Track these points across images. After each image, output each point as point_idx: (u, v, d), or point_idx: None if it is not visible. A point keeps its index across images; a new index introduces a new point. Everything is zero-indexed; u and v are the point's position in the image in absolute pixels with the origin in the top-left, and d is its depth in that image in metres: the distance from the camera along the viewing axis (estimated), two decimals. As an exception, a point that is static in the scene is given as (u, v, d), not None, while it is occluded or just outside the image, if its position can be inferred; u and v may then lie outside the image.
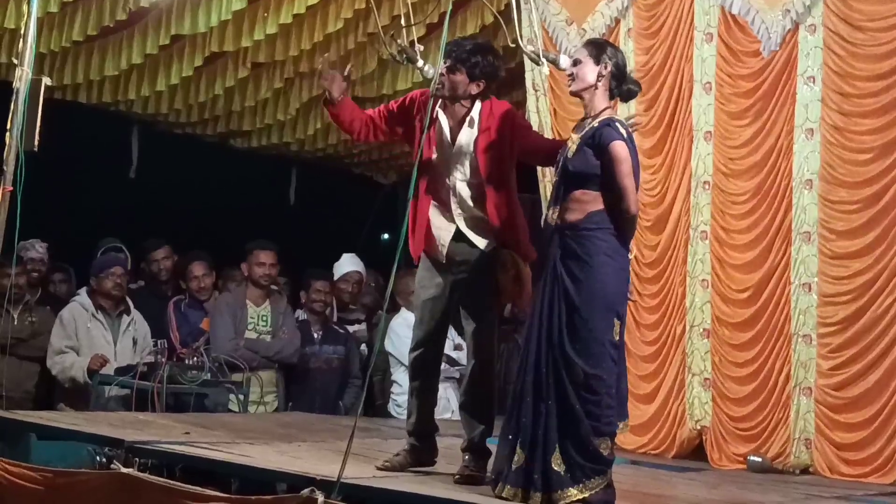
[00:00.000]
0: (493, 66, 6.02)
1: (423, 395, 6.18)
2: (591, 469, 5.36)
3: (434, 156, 6.04)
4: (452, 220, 6.06)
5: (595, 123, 5.53)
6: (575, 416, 5.34)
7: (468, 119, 6.03)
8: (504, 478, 5.47)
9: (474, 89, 6.01)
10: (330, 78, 6.15)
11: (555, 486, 5.32)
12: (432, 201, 6.08)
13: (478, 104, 6.03)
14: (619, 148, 5.44)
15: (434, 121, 5.98)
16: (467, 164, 6.02)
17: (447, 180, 6.05)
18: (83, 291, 8.48)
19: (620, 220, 5.47)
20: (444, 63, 5.94)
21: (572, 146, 5.55)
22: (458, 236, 6.06)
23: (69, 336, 8.25)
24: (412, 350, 6.20)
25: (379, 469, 5.98)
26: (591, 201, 5.47)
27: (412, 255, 6.17)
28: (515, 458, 5.43)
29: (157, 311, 8.84)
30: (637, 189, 5.54)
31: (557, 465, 5.35)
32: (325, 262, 9.75)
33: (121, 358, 8.24)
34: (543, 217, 5.75)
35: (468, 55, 5.96)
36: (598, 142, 5.46)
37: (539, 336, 5.47)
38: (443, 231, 6.07)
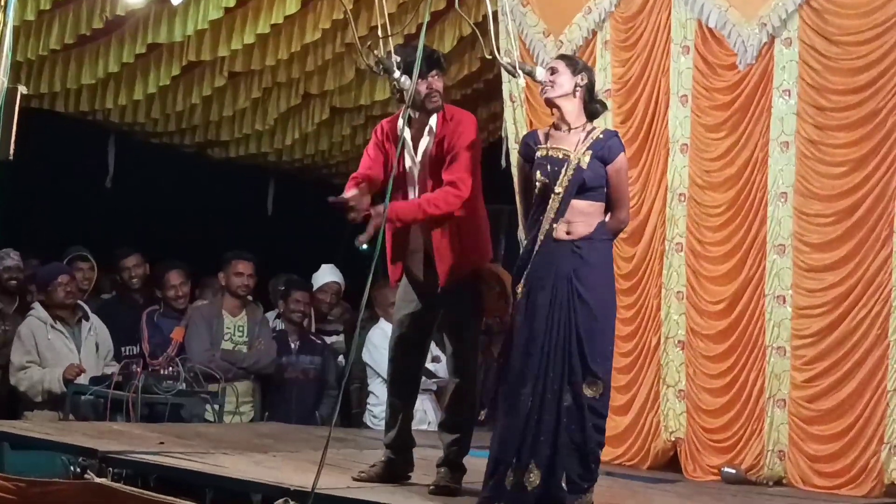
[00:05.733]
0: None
1: (402, 409, 6.13)
2: (589, 484, 5.45)
3: (403, 172, 5.93)
4: (418, 242, 5.93)
5: (600, 135, 5.59)
6: (585, 434, 5.38)
7: (427, 128, 5.95)
8: (499, 498, 5.44)
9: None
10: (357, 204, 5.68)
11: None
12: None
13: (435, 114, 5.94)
14: (624, 159, 5.63)
15: (401, 137, 5.85)
16: (427, 177, 5.91)
17: (411, 196, 5.93)
18: (37, 305, 8.28)
19: (615, 229, 5.63)
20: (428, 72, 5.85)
21: (584, 158, 5.52)
22: (428, 262, 5.92)
23: (28, 351, 8.10)
24: (390, 363, 6.15)
25: (354, 479, 5.98)
26: (594, 213, 5.54)
27: (390, 279, 6.10)
28: (509, 478, 5.41)
29: (129, 320, 8.79)
30: None
31: (564, 482, 5.40)
32: (303, 272, 9.74)
33: (86, 364, 8.13)
34: (543, 230, 5.51)
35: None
36: (608, 153, 5.54)
37: (543, 353, 5.40)
38: (414, 254, 5.95)
